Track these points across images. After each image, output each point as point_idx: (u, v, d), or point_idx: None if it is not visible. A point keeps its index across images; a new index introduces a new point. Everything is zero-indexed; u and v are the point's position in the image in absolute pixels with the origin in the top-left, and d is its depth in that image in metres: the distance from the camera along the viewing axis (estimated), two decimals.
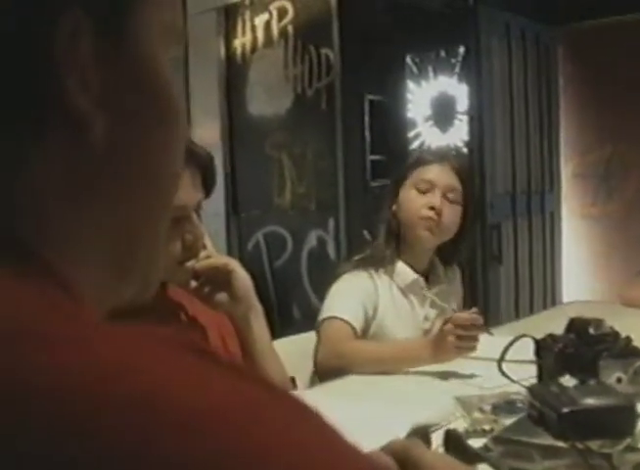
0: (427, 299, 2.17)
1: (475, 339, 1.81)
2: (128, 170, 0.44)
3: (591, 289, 4.72)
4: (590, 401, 1.05)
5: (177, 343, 0.35)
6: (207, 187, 1.58)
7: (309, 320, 4.12)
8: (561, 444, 1.04)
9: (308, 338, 2.13)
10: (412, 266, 2.14)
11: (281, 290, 4.49)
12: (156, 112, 0.45)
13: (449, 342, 1.79)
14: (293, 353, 1.91)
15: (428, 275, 2.19)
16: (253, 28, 4.58)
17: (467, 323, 1.80)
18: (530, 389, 1.17)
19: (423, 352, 1.87)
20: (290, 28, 4.42)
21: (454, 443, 1.07)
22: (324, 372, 1.95)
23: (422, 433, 1.20)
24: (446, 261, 2.23)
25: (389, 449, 0.68)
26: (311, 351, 2.03)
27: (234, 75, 4.66)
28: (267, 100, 4.52)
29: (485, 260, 4.12)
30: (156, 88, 0.45)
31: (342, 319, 1.97)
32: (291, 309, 4.44)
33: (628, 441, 1.10)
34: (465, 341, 1.79)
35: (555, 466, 1.08)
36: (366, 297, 2.05)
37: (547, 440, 1.05)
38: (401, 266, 2.13)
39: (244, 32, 4.62)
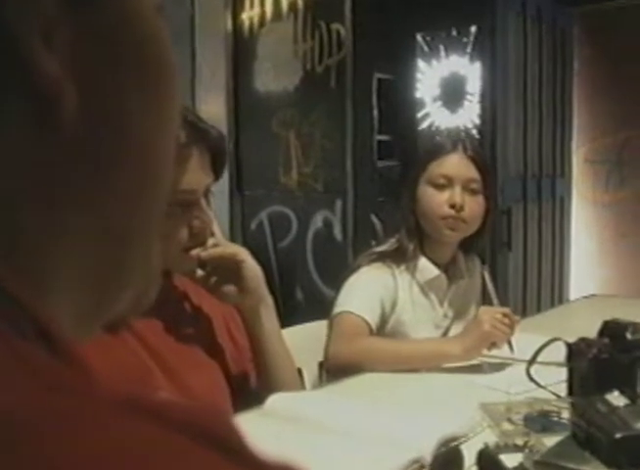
0: (446, 296, 2.08)
1: (509, 329, 1.75)
2: (111, 154, 0.34)
3: (598, 276, 4.67)
4: None
5: (196, 433, 0.26)
6: (217, 170, 1.48)
7: (313, 303, 4.09)
8: None
9: (315, 327, 2.05)
10: (434, 261, 2.05)
11: (285, 272, 4.39)
12: (141, 71, 0.34)
13: (486, 331, 1.72)
14: (299, 343, 1.83)
15: (448, 269, 2.09)
16: (262, 2, 4.45)
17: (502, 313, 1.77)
18: (574, 405, 1.07)
19: (451, 348, 1.78)
20: (300, 2, 4.29)
21: (488, 464, 0.97)
22: (335, 368, 1.86)
23: (452, 448, 1.11)
24: (466, 251, 2.14)
25: None
26: (318, 341, 1.94)
27: (241, 50, 4.54)
28: (275, 76, 4.40)
29: (494, 246, 4.02)
30: (140, 41, 0.34)
31: (357, 315, 1.88)
32: (294, 292, 4.34)
33: None
34: (500, 330, 1.74)
35: None
36: (384, 292, 1.95)
37: (597, 467, 0.95)
38: (423, 262, 2.03)
39: (252, 5, 4.50)
